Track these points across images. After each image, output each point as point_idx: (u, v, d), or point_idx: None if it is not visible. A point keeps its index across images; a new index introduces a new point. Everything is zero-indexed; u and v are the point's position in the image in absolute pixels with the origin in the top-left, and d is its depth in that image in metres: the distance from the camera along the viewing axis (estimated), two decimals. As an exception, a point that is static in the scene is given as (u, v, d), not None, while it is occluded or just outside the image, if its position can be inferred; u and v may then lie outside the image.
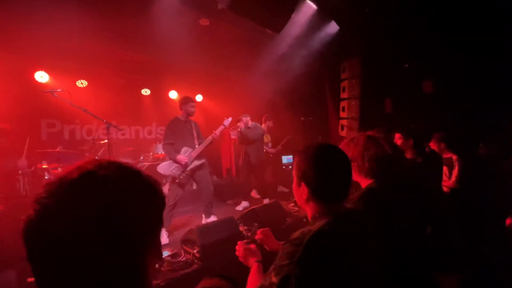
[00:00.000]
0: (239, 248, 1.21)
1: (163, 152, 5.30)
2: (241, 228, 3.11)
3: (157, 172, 3.78)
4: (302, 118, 5.38)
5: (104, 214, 0.42)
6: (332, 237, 0.85)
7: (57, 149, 3.31)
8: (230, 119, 3.99)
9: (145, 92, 6.23)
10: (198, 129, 3.94)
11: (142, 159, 5.18)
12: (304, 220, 3.84)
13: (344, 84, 4.69)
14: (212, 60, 5.26)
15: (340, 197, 0.97)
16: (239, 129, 4.69)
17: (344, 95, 4.70)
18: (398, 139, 2.54)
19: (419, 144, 2.50)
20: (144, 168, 4.87)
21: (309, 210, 0.99)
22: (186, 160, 3.55)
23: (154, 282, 2.34)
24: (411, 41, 4.37)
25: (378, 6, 3.86)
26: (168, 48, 4.52)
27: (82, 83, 5.09)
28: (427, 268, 1.30)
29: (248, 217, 3.38)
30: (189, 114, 3.81)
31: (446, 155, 3.17)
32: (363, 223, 0.98)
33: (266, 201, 4.43)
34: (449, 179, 3.05)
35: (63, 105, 4.50)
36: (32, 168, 2.69)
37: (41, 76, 4.65)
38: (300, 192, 0.98)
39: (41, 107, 4.61)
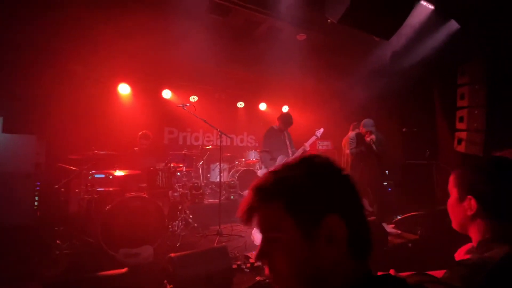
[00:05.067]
0: None
1: (254, 159, 5.72)
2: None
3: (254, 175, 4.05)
4: (404, 129, 4.83)
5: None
6: None
7: (183, 152, 4.03)
8: (322, 130, 3.94)
9: (240, 104, 6.93)
10: (290, 138, 4.10)
11: (237, 164, 5.69)
12: (410, 245, 3.39)
13: (463, 90, 3.97)
14: (302, 72, 5.40)
15: None
16: (371, 141, 3.83)
17: (462, 102, 3.98)
18: None
19: None
20: (240, 172, 5.37)
21: (474, 230, 0.89)
22: None
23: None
24: None
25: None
26: (264, 63, 4.94)
27: (193, 98, 6.07)
28: None
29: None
30: (282, 129, 4.02)
31: None
32: None
33: None
34: None
35: (179, 116, 5.56)
36: (167, 166, 3.37)
37: (166, 93, 5.82)
38: (464, 208, 0.89)
39: (164, 117, 5.77)
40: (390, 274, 0.50)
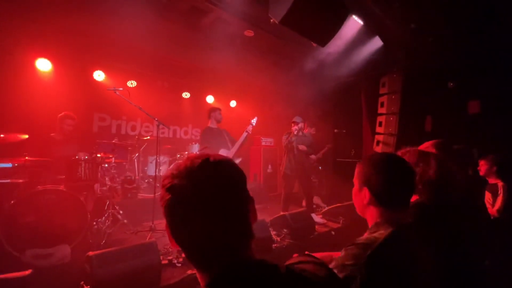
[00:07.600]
0: None
1: (197, 152, 5.58)
2: (271, 232, 3.17)
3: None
4: (335, 130, 5.35)
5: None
6: (398, 248, 0.90)
7: (114, 141, 3.66)
8: (256, 118, 4.07)
9: (185, 95, 6.64)
10: (229, 135, 4.13)
11: (179, 157, 5.47)
12: (333, 233, 3.80)
13: (383, 99, 4.62)
14: (250, 69, 5.48)
15: (402, 205, 1.01)
16: (294, 134, 4.14)
17: (382, 110, 4.63)
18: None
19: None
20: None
21: (369, 215, 1.04)
22: None
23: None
24: (459, 60, 4.23)
25: (425, 22, 3.82)
26: (212, 55, 4.83)
27: (132, 83, 5.57)
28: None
29: (278, 222, 3.44)
30: (218, 121, 4.05)
31: (492, 180, 2.99)
32: (423, 238, 1.00)
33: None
34: (492, 207, 2.86)
35: (113, 101, 5.01)
36: (93, 156, 3.01)
37: (99, 75, 5.18)
38: (361, 197, 1.04)
39: (95, 102, 5.13)
40: (263, 260, 0.56)
